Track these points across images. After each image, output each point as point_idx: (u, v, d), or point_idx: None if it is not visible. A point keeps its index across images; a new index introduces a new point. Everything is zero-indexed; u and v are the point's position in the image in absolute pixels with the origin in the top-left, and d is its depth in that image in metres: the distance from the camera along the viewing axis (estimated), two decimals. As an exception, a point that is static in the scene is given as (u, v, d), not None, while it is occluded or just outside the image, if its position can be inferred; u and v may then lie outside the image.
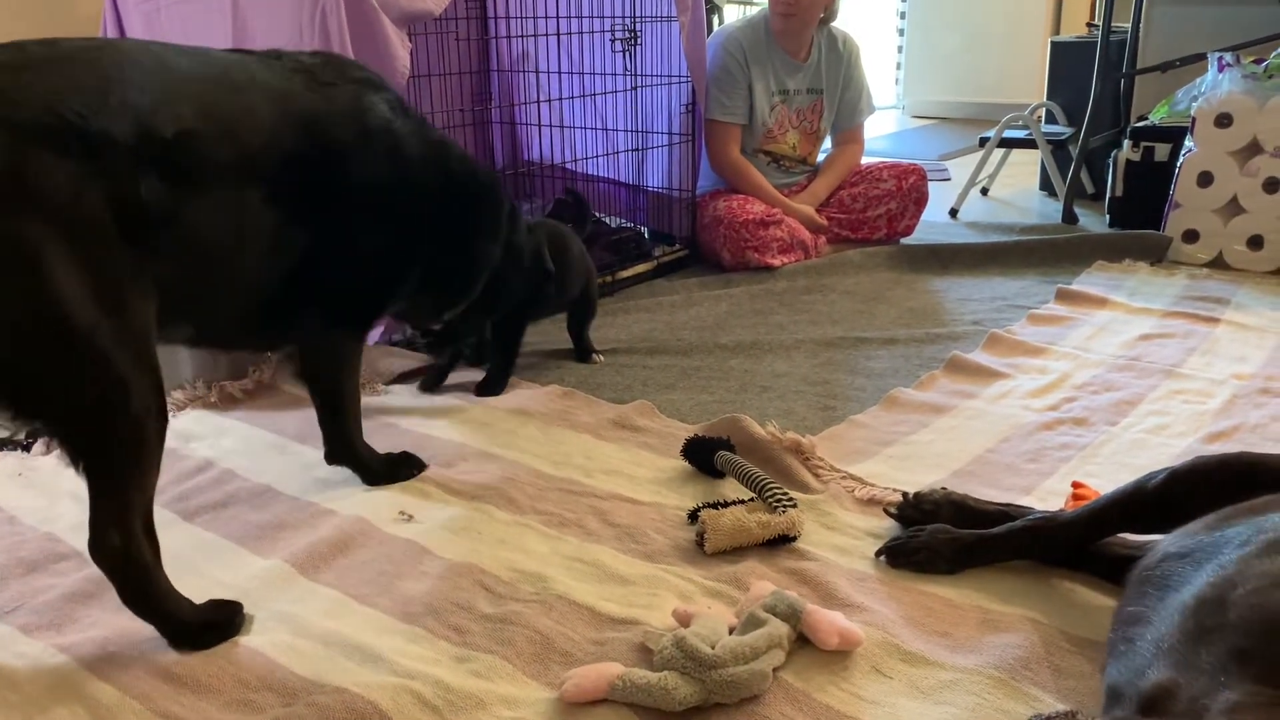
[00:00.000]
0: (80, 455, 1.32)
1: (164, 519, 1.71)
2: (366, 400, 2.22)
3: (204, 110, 1.43)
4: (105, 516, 1.33)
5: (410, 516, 1.71)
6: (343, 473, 1.87)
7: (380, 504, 1.75)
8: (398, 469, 1.86)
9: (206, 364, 2.25)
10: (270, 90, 1.54)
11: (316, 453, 1.94)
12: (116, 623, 1.41)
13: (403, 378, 2.34)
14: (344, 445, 1.84)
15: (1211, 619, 0.90)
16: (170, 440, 2.01)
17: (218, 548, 1.63)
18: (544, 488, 1.80)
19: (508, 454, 1.94)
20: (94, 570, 1.55)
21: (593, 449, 1.96)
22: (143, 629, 1.39)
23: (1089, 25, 4.97)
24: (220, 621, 1.41)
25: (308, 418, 2.09)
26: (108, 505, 1.33)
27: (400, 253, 1.76)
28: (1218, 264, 3.15)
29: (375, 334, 2.37)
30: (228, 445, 2.01)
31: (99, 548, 1.33)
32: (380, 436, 2.02)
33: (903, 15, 6.92)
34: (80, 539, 1.62)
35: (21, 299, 1.23)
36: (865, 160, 3.62)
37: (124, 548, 1.33)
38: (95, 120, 1.29)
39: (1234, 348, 2.44)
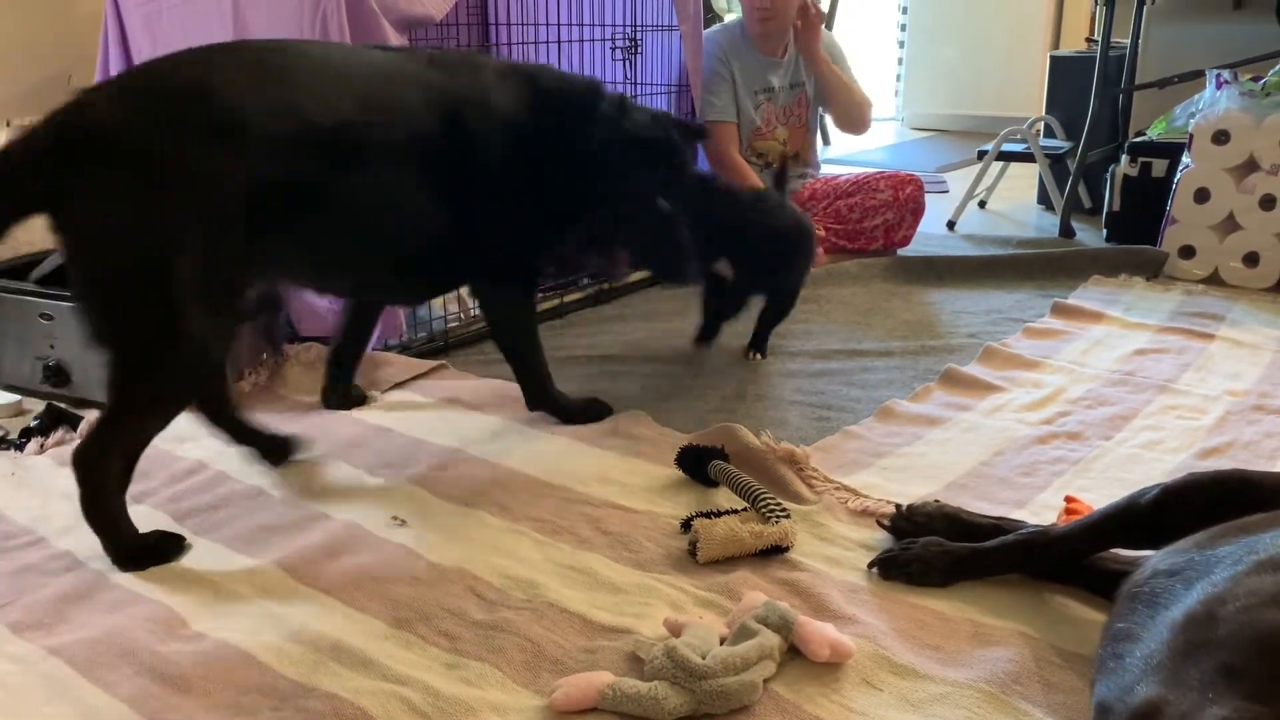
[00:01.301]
0: (120, 391, 1.53)
1: (155, 520, 1.72)
2: (362, 407, 2.22)
3: (362, 100, 1.68)
4: (102, 440, 1.54)
5: (403, 521, 1.70)
6: (335, 477, 1.87)
7: (372, 508, 1.75)
8: (590, 409, 2.10)
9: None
10: (414, 79, 1.78)
11: (309, 456, 1.94)
12: (107, 624, 1.41)
13: (399, 385, 2.34)
14: (539, 391, 2.08)
15: (1200, 636, 0.90)
16: (163, 441, 2.01)
17: (209, 550, 1.63)
18: (537, 494, 1.80)
19: (501, 460, 1.94)
20: (85, 571, 1.56)
21: (587, 456, 1.96)
22: (133, 630, 1.39)
23: (1088, 40, 4.99)
24: (160, 547, 1.60)
25: (301, 422, 2.10)
26: (112, 434, 1.54)
27: (534, 212, 1.93)
28: (1213, 280, 3.15)
29: (371, 340, 2.36)
30: (222, 447, 2.00)
31: (82, 458, 1.53)
32: (375, 441, 2.03)
33: (903, 27, 6.94)
34: (72, 540, 1.63)
35: (148, 265, 1.47)
36: (862, 170, 3.63)
37: (100, 467, 1.54)
38: (251, 115, 1.53)
39: (1228, 364, 2.44)
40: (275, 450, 1.91)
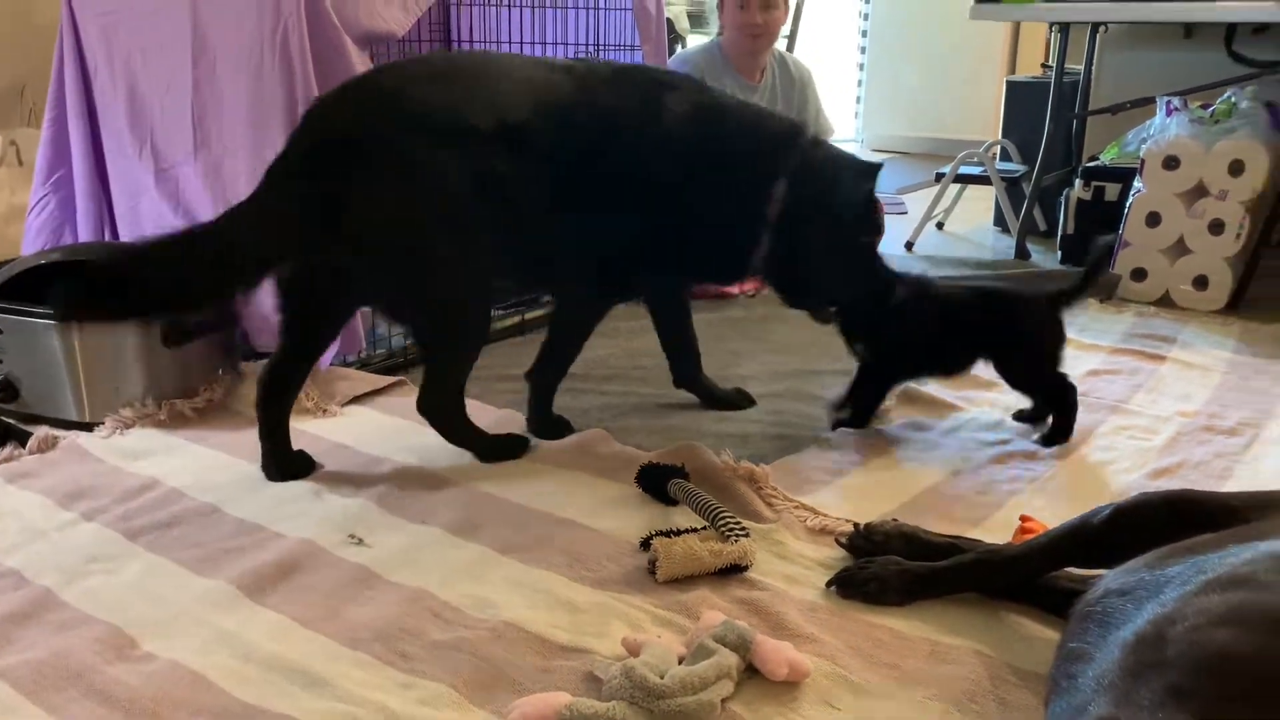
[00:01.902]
0: (425, 346, 1.98)
1: (106, 537, 1.69)
2: (319, 422, 2.20)
3: (536, 107, 1.88)
4: (434, 385, 1.97)
5: (360, 540, 1.69)
6: (292, 494, 1.85)
7: (330, 527, 1.73)
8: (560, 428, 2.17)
9: (157, 381, 2.21)
10: (577, 92, 1.94)
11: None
12: (54, 645, 1.38)
13: (357, 401, 2.32)
14: (546, 398, 2.20)
15: (1151, 656, 0.92)
16: (115, 458, 1.99)
17: (162, 568, 1.60)
18: (496, 513, 1.79)
19: (460, 478, 1.93)
20: (32, 590, 1.53)
21: (547, 475, 1.95)
22: (81, 652, 1.36)
23: (1044, 66, 5.07)
24: (512, 444, 2.04)
25: (255, 438, 2.07)
26: (436, 378, 1.97)
27: (645, 227, 1.99)
28: (1164, 302, 3.21)
29: (328, 356, 2.34)
30: (176, 464, 1.98)
31: (424, 404, 1.98)
32: (332, 458, 2.01)
33: (863, 50, 7.03)
34: (19, 559, 1.60)
35: (411, 242, 1.80)
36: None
37: (443, 405, 1.98)
38: (472, 119, 1.82)
39: (1179, 385, 2.49)
40: (297, 465, 1.98)
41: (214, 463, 1.99)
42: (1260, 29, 3.64)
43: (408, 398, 2.34)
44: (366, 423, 2.21)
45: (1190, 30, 3.88)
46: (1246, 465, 2.02)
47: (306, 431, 2.14)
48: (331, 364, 2.39)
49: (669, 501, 1.80)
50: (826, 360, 2.64)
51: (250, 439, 2.05)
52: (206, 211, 2.25)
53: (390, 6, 2.31)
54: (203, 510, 1.80)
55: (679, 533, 1.62)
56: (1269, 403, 2.36)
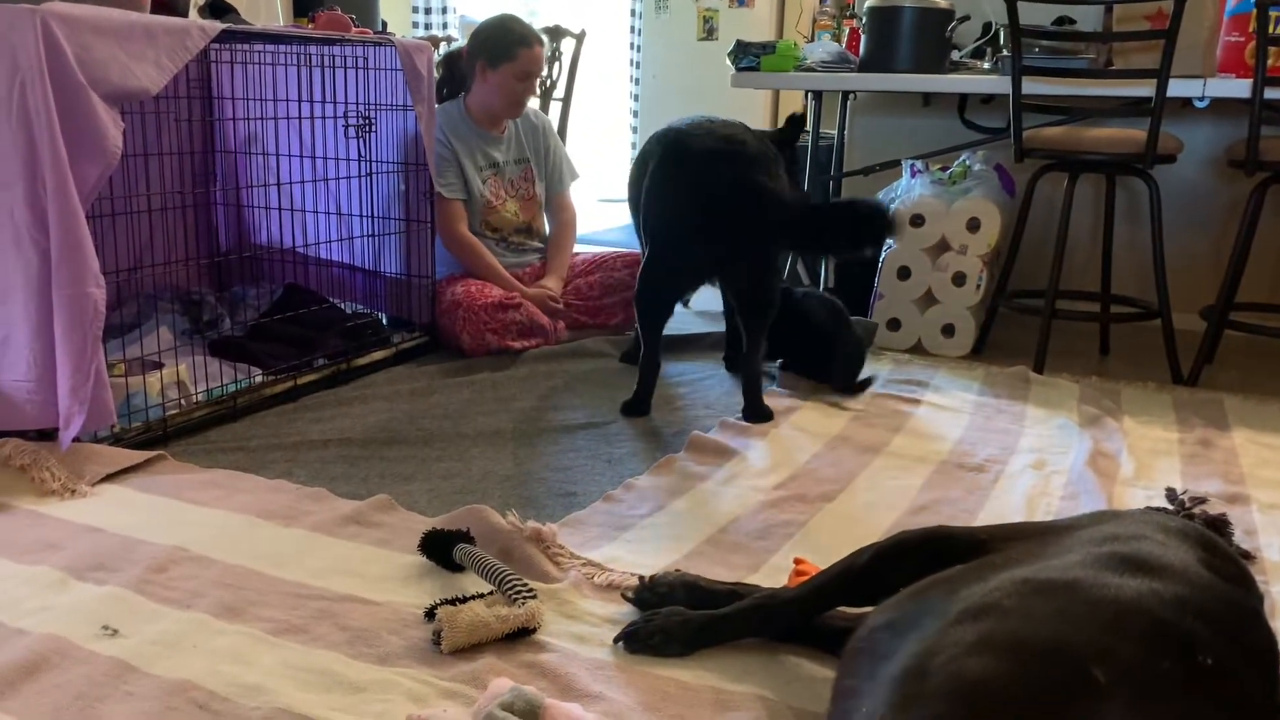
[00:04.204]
0: (762, 320, 2.69)
1: None
2: (66, 504, 2.02)
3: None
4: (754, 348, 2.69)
5: (115, 631, 1.55)
6: (33, 584, 1.69)
7: (79, 619, 1.58)
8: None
9: None
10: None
11: (4, 566, 1.75)
12: None
13: (110, 479, 2.15)
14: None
15: (915, 688, 0.97)
16: None
17: (-127, 682, 1.42)
18: (267, 592, 1.70)
19: (228, 557, 1.81)
20: None
21: (324, 548, 1.87)
22: None
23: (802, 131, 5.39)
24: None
25: (-6, 526, 1.89)
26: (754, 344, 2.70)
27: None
28: (917, 350, 3.46)
29: (71, 431, 2.16)
30: (-108, 561, 1.77)
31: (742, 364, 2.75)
32: (80, 542, 1.85)
33: (635, 113, 7.26)
34: None
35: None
36: (600, 250, 3.74)
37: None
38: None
39: (933, 427, 2.67)
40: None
41: (-60, 557, 1.79)
42: (988, 99, 4.02)
43: (168, 474, 2.20)
44: (121, 503, 2.05)
45: (928, 99, 4.24)
46: (994, 500, 2.19)
47: (51, 515, 1.96)
48: (79, 439, 2.21)
49: (455, 568, 1.77)
50: (613, 414, 2.68)
51: (-16, 528, 1.87)
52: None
53: (143, 63, 2.20)
54: (-74, 611, 1.61)
55: (465, 600, 1.59)
56: (1011, 440, 2.57)
